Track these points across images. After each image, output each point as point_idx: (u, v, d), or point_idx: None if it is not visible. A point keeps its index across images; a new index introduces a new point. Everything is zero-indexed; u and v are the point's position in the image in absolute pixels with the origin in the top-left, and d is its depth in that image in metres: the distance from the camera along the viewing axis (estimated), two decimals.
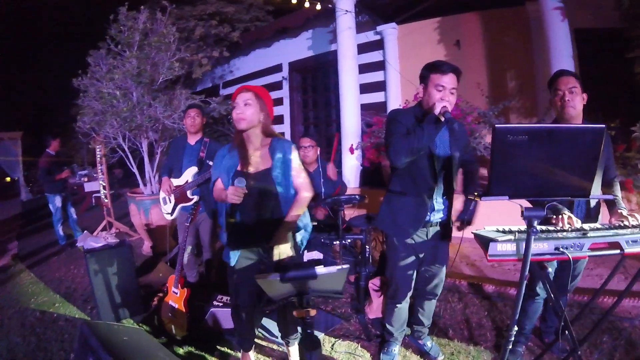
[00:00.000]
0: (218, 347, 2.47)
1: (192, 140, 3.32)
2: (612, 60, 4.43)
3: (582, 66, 4.94)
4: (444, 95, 1.79)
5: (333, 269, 1.21)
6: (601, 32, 4.97)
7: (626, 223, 1.60)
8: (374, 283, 2.83)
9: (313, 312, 1.27)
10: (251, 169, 1.84)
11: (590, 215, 1.95)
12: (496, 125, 1.22)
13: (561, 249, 1.36)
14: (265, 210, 1.86)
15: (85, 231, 3.15)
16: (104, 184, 5.83)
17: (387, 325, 2.26)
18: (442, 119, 1.71)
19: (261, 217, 1.86)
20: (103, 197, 5.92)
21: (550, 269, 1.92)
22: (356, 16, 6.33)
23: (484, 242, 1.47)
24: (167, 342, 2.50)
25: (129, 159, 5.14)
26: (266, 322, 2.67)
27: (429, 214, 1.95)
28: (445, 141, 1.95)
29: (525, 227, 1.36)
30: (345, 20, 5.95)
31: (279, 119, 8.61)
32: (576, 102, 1.87)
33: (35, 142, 12.03)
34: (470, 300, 2.95)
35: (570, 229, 1.51)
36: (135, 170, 5.17)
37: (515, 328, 1.43)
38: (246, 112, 1.80)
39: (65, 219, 5.45)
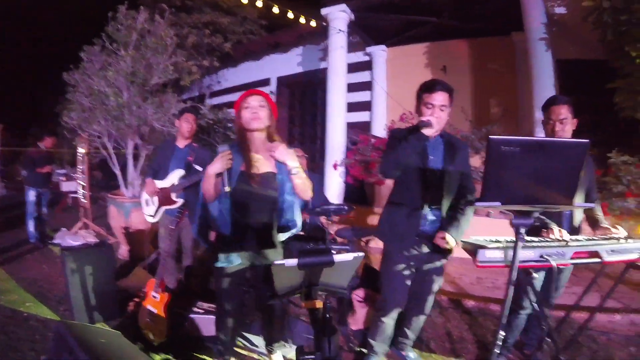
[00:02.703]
0: (197, 354, 2.39)
1: (181, 144, 3.31)
2: (592, 90, 4.58)
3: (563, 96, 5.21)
4: (433, 113, 1.87)
5: (349, 256, 1.21)
6: (583, 64, 5.22)
7: (609, 235, 1.69)
8: (358, 294, 2.82)
9: (319, 304, 1.26)
10: (255, 170, 1.81)
11: (574, 231, 2.03)
12: (490, 137, 1.29)
13: (545, 257, 1.43)
14: (264, 213, 1.84)
15: (64, 229, 3.03)
16: (84, 184, 5.64)
17: (370, 339, 2.21)
18: (423, 130, 1.81)
19: (260, 220, 1.84)
20: (81, 197, 5.72)
21: (536, 279, 1.98)
22: (348, 36, 6.50)
23: (473, 249, 1.52)
24: (143, 348, 2.39)
25: (112, 160, 5.03)
26: (247, 333, 2.62)
27: (422, 224, 1.98)
28: (438, 155, 2.00)
29: (511, 238, 1.42)
30: (338, 39, 6.07)
31: None
32: (566, 131, 1.97)
33: (16, 136, 11.52)
34: (451, 315, 2.98)
35: (554, 239, 1.58)
36: (117, 171, 5.06)
37: (502, 334, 1.46)
38: (260, 113, 1.80)
39: (39, 216, 5.27)
